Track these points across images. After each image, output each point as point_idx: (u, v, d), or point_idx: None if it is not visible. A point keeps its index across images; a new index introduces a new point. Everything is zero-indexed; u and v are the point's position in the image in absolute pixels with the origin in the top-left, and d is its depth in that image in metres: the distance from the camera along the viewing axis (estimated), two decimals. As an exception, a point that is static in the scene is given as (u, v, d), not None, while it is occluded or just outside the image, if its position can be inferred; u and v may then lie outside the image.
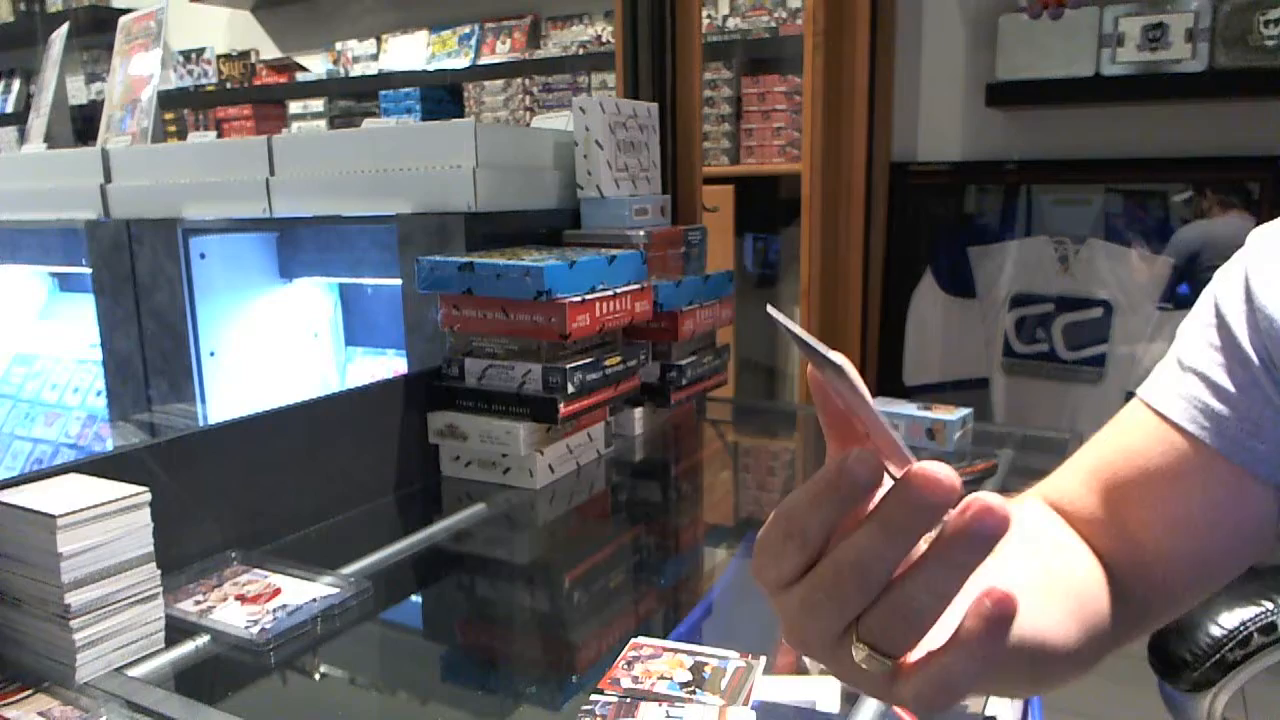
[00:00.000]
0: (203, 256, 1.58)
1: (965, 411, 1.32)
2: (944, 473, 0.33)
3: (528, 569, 1.06)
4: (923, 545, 0.35)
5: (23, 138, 2.25)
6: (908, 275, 2.10)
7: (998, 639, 0.34)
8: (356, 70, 3.72)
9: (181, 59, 4.10)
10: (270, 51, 4.03)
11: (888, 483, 0.36)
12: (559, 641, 0.88)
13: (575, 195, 1.43)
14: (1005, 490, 0.76)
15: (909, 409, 1.31)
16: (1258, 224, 0.54)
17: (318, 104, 3.81)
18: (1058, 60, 1.82)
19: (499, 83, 3.35)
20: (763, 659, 0.71)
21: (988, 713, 0.79)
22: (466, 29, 3.48)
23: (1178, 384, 0.53)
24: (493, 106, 3.37)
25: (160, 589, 0.76)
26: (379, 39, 3.68)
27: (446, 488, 1.20)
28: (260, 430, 1.01)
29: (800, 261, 2.05)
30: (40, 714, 0.66)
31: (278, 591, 0.86)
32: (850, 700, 0.68)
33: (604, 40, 3.19)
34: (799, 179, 2.04)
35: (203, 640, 0.79)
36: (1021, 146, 1.97)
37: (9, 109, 4.70)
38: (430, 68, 3.50)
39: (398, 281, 1.37)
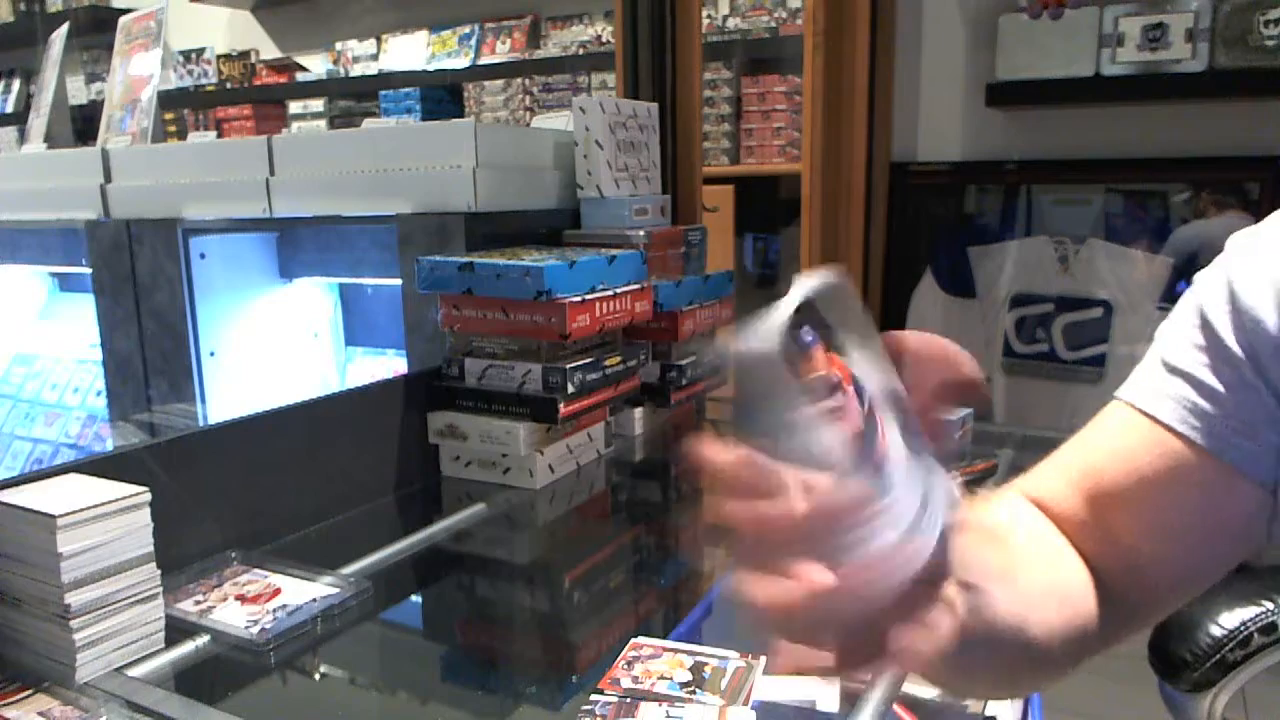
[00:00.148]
0: (203, 256, 1.58)
1: (965, 411, 1.31)
2: None
3: (528, 569, 1.06)
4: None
5: (23, 138, 2.25)
6: (908, 275, 2.10)
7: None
8: (356, 70, 3.72)
9: (181, 59, 4.10)
10: (270, 51, 4.03)
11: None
12: (559, 641, 0.88)
13: (575, 195, 1.43)
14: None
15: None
16: (1256, 223, 0.54)
17: (318, 104, 3.81)
18: (1058, 60, 1.82)
19: (499, 83, 3.35)
20: (763, 659, 0.71)
21: (988, 713, 0.79)
22: (466, 29, 3.48)
23: (1164, 385, 0.53)
24: (493, 106, 3.37)
25: (160, 589, 0.76)
26: (379, 39, 3.68)
27: (446, 488, 1.20)
28: (260, 430, 1.01)
29: (800, 261, 2.05)
30: (40, 714, 0.66)
31: (278, 591, 0.86)
32: (850, 700, 0.68)
33: (604, 40, 3.19)
34: (799, 179, 2.04)
35: (203, 640, 0.78)
36: (1021, 146, 1.97)
37: (9, 109, 4.70)
38: (430, 68, 3.50)
39: (398, 281, 1.37)
